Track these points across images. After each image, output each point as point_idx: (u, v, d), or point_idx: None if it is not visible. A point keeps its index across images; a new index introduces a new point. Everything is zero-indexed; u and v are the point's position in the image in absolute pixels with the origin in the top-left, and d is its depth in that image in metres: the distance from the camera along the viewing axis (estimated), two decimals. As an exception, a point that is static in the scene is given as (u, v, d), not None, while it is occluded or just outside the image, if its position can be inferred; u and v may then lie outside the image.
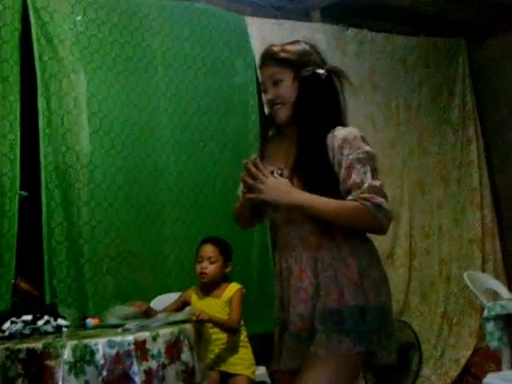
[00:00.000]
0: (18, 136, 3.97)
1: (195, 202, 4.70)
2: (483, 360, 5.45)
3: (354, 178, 2.24)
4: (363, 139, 2.33)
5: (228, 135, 4.95)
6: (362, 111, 5.65)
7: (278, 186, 2.25)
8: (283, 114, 2.42)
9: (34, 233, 3.99)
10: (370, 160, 2.28)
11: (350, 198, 2.24)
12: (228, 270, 3.92)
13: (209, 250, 3.87)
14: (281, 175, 2.34)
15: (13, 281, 3.78)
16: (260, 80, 2.53)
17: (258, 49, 5.02)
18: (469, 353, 5.71)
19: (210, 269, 3.83)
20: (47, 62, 4.14)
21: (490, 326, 3.93)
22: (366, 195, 2.21)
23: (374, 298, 2.27)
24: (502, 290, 4.88)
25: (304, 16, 5.53)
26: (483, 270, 5.94)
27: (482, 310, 4.26)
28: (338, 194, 2.27)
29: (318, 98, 2.37)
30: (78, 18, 4.24)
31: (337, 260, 2.28)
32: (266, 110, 2.69)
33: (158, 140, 4.59)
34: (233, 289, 3.86)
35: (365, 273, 2.29)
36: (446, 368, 5.61)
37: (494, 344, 3.94)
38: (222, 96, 4.96)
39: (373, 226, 2.25)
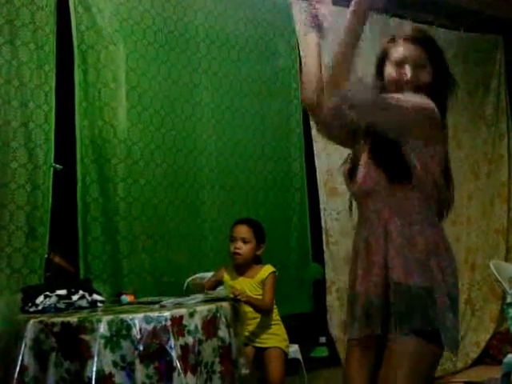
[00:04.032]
0: (53, 107, 3.54)
1: (235, 184, 4.23)
2: (501, 343, 5.35)
3: None
4: None
5: (270, 118, 4.44)
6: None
7: None
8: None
9: (69, 208, 3.62)
10: None
11: None
12: (260, 251, 3.58)
13: (243, 230, 3.54)
14: None
15: (46, 255, 3.43)
16: (393, 57, 2.24)
17: (302, 32, 4.44)
18: (488, 336, 5.54)
19: (244, 249, 3.51)
20: (85, 32, 3.66)
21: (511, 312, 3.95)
22: None
23: (441, 280, 2.08)
24: (524, 278, 5.05)
25: (346, 2, 4.90)
26: (506, 260, 5.72)
27: (503, 296, 4.43)
28: None
29: (448, 76, 2.26)
30: (119, -12, 3.71)
31: (405, 236, 2.10)
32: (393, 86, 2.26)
33: (198, 119, 4.09)
34: (267, 270, 3.54)
35: (431, 254, 2.09)
36: (466, 350, 5.40)
37: (514, 328, 4.03)
38: (265, 78, 4.44)
39: None
